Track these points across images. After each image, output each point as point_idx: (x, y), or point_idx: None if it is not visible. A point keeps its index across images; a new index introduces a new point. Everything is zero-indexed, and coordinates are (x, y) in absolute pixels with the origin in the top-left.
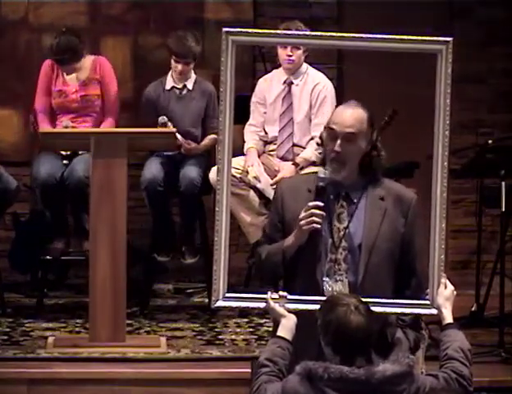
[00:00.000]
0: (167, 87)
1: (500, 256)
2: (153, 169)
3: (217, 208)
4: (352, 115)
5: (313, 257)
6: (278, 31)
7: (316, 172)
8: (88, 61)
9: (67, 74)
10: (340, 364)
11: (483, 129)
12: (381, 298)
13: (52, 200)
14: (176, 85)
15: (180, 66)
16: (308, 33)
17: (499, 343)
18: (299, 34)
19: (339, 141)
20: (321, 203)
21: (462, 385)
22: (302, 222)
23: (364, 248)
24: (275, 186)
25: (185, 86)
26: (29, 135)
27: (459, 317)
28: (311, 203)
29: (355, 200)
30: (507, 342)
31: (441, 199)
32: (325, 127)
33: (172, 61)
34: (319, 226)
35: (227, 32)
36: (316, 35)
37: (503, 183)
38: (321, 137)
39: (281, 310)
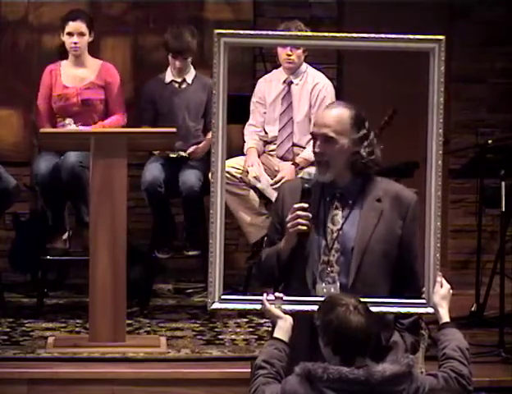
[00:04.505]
0: (167, 80)
1: (500, 256)
2: (153, 171)
3: (211, 211)
4: (330, 115)
5: (303, 259)
6: (271, 32)
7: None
8: (95, 63)
9: (72, 31)
10: (340, 364)
11: (483, 129)
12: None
13: (52, 196)
14: (175, 79)
15: (177, 63)
16: (300, 33)
17: (499, 343)
18: (291, 35)
19: (318, 142)
20: (305, 205)
21: (461, 384)
22: (288, 225)
23: (356, 250)
24: (275, 187)
25: (184, 80)
26: (30, 135)
27: (459, 317)
28: (296, 205)
29: (350, 202)
30: (507, 342)
31: (436, 198)
32: None
33: (170, 58)
34: (305, 228)
35: (219, 34)
36: (310, 35)
37: (503, 183)
38: None
39: (276, 312)
